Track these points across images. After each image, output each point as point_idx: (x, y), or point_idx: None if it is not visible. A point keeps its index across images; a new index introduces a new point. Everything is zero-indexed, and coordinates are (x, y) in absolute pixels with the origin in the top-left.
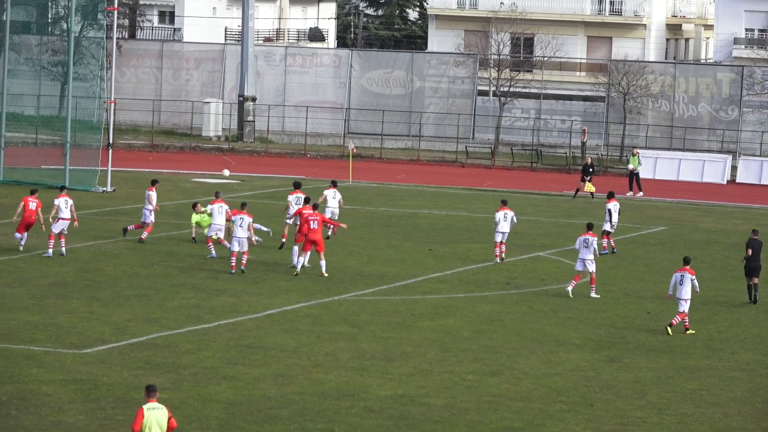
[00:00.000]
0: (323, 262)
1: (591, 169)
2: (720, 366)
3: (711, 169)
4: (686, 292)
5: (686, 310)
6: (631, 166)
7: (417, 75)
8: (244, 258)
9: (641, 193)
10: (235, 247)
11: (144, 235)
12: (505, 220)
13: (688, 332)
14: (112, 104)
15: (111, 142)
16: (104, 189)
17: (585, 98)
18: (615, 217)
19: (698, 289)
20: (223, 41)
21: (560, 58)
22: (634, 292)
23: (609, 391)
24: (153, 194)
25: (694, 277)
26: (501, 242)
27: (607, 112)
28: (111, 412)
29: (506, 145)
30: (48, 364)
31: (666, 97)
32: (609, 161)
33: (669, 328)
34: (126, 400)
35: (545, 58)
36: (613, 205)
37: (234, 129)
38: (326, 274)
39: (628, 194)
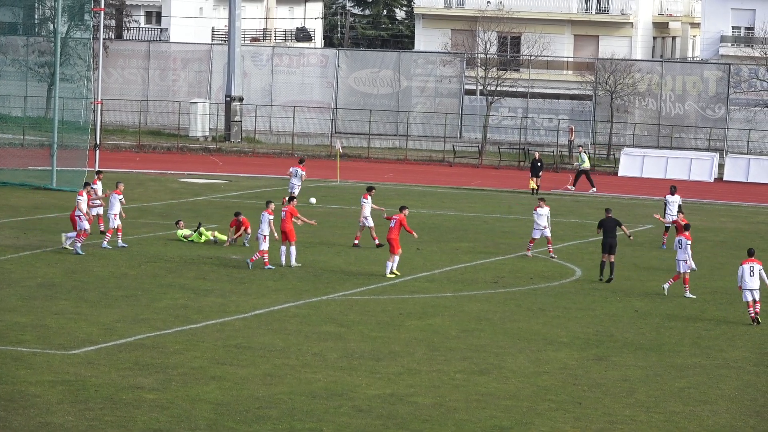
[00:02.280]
0: (293, 249)
1: (539, 164)
2: (708, 364)
3: (698, 167)
4: (756, 282)
5: (758, 299)
6: (577, 163)
7: (404, 74)
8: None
9: (594, 189)
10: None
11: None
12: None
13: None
14: (99, 105)
15: (98, 142)
16: None
17: (572, 97)
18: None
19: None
20: (209, 41)
21: (547, 56)
22: (622, 290)
23: (597, 390)
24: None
25: (761, 267)
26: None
27: (594, 110)
28: (99, 413)
29: (493, 144)
30: (36, 365)
31: (653, 96)
32: (596, 160)
33: (754, 322)
34: (114, 400)
35: (532, 57)
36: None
37: (221, 129)
38: (296, 264)
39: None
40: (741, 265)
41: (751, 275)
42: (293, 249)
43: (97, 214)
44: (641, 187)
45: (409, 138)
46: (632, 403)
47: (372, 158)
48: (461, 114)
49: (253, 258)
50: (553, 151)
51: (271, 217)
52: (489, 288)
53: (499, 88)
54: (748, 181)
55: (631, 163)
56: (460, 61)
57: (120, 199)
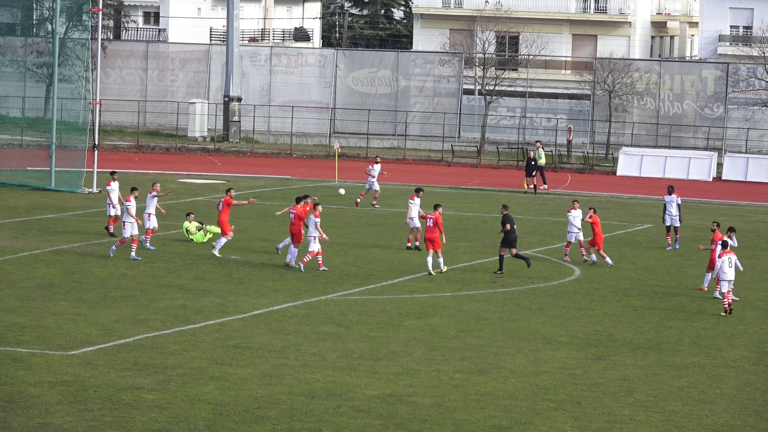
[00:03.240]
0: (295, 250)
1: (534, 164)
2: (707, 363)
3: (697, 166)
4: (732, 273)
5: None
6: (531, 153)
7: (402, 74)
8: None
9: (545, 186)
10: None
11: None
12: (730, 266)
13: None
14: (98, 105)
15: (96, 143)
16: (90, 190)
17: (570, 96)
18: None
19: (741, 268)
20: (208, 41)
21: (545, 56)
22: (621, 289)
23: (596, 389)
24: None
25: (736, 257)
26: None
27: (592, 110)
28: (98, 413)
29: (492, 144)
30: (35, 365)
31: (651, 95)
32: (595, 159)
33: (727, 313)
34: (113, 401)
35: (530, 57)
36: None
37: (219, 129)
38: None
39: (542, 187)
40: (719, 257)
41: (729, 266)
42: (295, 250)
43: (114, 215)
44: (640, 186)
45: (407, 138)
46: (631, 403)
47: (371, 158)
48: (460, 114)
49: (305, 260)
50: (551, 151)
51: (318, 219)
52: (488, 288)
53: (497, 88)
54: (747, 180)
55: (630, 163)
56: (458, 60)
57: (155, 196)
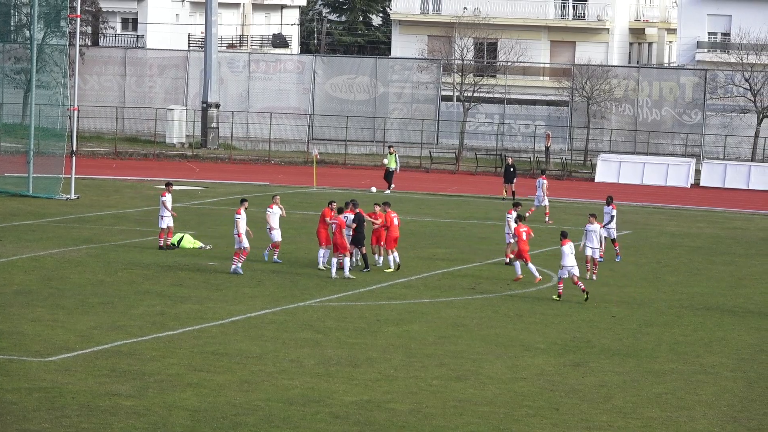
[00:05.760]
0: (334, 260)
1: (512, 170)
2: (685, 369)
3: (675, 172)
4: (573, 260)
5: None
6: (386, 161)
7: (381, 80)
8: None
9: (389, 190)
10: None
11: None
12: (571, 253)
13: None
14: (76, 111)
15: (74, 149)
16: (68, 196)
17: (549, 103)
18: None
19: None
20: (186, 48)
21: (524, 62)
22: (599, 296)
23: (574, 396)
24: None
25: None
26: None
27: (570, 116)
28: (76, 420)
29: (470, 150)
30: (12, 372)
31: (629, 101)
32: (573, 165)
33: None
34: (91, 407)
35: (509, 63)
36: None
37: (198, 136)
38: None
39: (372, 189)
40: (561, 245)
41: (570, 253)
42: (334, 260)
43: (168, 227)
44: (618, 192)
45: (386, 144)
46: (609, 409)
47: (349, 164)
48: (438, 120)
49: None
50: (529, 157)
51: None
52: (466, 294)
53: (475, 94)
54: (725, 186)
55: (608, 169)
56: (436, 67)
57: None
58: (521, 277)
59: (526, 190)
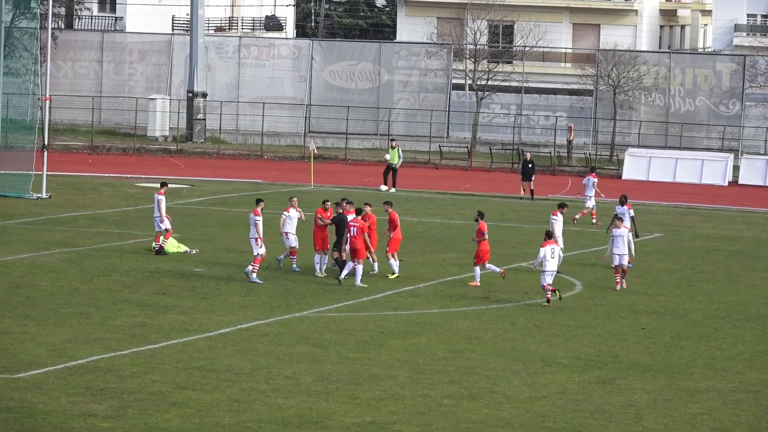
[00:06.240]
0: (358, 267)
1: (531, 167)
2: (723, 387)
3: (711, 169)
4: (555, 264)
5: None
6: (388, 157)
7: (385, 67)
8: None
9: (393, 189)
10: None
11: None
12: (552, 257)
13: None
14: (48, 101)
15: (46, 143)
16: (39, 195)
17: (571, 92)
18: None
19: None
20: (170, 31)
21: (543, 47)
22: (628, 305)
23: (600, 416)
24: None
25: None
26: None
27: (595, 107)
28: None
29: (484, 145)
30: None
31: (660, 91)
32: (598, 161)
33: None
34: (64, 429)
35: (526, 48)
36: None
37: (182, 128)
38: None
39: (382, 187)
40: (542, 246)
41: (552, 257)
42: (359, 268)
43: (167, 230)
44: (648, 191)
45: (390, 138)
46: (639, 431)
47: (350, 160)
48: (448, 111)
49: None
50: (550, 152)
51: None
52: (480, 303)
53: (490, 83)
54: (766, 184)
55: (637, 165)
56: (446, 52)
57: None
58: (478, 284)
59: (546, 188)
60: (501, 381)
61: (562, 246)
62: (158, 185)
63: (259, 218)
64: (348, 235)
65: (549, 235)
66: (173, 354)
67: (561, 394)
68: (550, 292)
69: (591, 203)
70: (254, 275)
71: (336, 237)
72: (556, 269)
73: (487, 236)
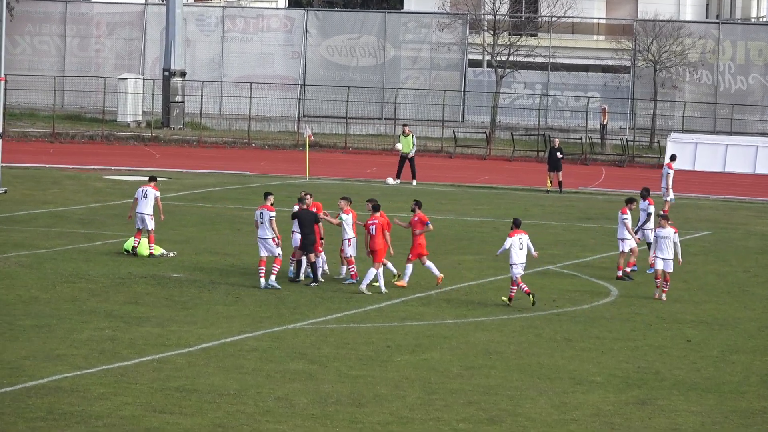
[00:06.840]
0: (372, 270)
1: (559, 155)
2: None
3: (766, 157)
4: (523, 256)
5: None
6: (399, 146)
7: (391, 41)
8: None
9: (414, 182)
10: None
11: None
12: (521, 248)
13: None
14: (2, 82)
15: (1, 130)
16: None
17: (605, 69)
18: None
19: (535, 253)
20: (143, 1)
21: (573, 18)
22: (671, 315)
23: None
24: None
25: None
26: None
27: (632, 86)
28: None
29: (505, 130)
30: None
31: (708, 67)
32: (636, 149)
33: (509, 301)
34: None
35: (554, 19)
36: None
37: (158, 112)
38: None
39: (389, 180)
40: (509, 236)
41: (520, 248)
42: (379, 273)
43: (151, 229)
44: (694, 183)
45: (397, 122)
46: None
47: (351, 148)
48: (464, 91)
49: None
50: (581, 138)
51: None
52: (500, 313)
53: (511, 59)
54: None
55: (680, 153)
56: (461, 24)
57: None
58: (405, 284)
59: (576, 180)
60: (525, 402)
61: (624, 250)
62: (146, 179)
63: (273, 214)
64: (348, 237)
65: (517, 224)
66: (148, 372)
67: (594, 417)
68: (515, 291)
69: (670, 196)
70: (273, 277)
71: (303, 238)
72: (524, 261)
73: (431, 226)
